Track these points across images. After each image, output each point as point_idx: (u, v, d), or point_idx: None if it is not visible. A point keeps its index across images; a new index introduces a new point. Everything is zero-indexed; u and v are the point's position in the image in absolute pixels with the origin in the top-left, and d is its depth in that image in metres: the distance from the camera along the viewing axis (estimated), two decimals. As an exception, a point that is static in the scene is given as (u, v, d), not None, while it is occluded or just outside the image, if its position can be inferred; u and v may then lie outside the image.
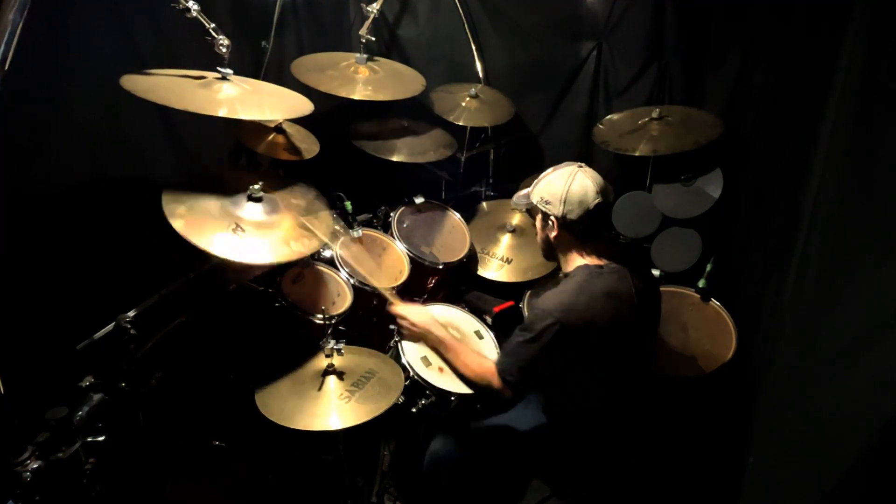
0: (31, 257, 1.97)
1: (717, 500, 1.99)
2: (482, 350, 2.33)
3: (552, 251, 1.94)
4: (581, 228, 1.81)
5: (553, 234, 1.86)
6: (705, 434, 2.27)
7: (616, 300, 1.75)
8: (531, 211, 1.97)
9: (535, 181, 1.93)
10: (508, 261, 2.88)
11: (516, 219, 2.98)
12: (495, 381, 1.82)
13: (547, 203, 1.83)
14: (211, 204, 1.95)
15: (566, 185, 1.79)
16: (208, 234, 1.85)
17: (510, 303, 2.76)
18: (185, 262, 2.14)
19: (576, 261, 1.84)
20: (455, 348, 2.00)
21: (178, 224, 1.81)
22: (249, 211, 2.01)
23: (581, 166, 1.86)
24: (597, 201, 1.78)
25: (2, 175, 1.90)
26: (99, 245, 2.13)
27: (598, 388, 1.83)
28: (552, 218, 1.83)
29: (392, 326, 2.29)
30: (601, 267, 1.79)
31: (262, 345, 2.34)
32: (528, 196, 1.95)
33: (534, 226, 1.99)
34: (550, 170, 1.90)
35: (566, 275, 1.87)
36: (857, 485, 1.14)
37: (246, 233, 1.92)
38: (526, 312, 2.63)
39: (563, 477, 1.91)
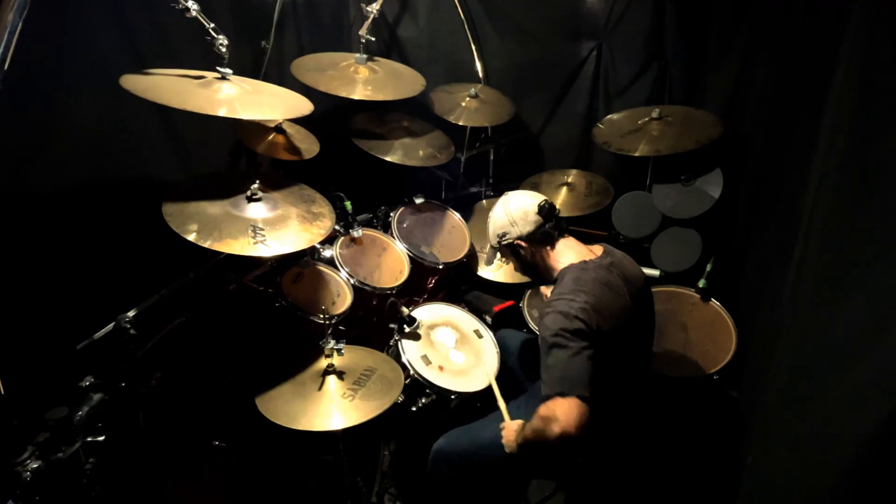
0: (32, 257, 1.97)
1: (717, 500, 1.99)
2: (482, 350, 2.34)
3: (537, 272, 1.95)
4: (542, 233, 1.87)
5: (528, 255, 1.91)
6: (705, 434, 2.27)
7: (610, 290, 1.74)
8: (504, 256, 2.00)
9: (487, 233, 1.99)
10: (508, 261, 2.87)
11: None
12: (542, 410, 1.59)
13: (504, 235, 1.91)
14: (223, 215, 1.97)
15: (504, 212, 1.90)
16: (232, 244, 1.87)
17: (510, 302, 2.77)
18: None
19: (559, 265, 1.86)
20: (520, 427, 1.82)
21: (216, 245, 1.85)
22: (256, 211, 2.03)
23: (506, 194, 1.97)
24: (536, 204, 1.87)
25: (2, 175, 1.90)
26: (99, 245, 2.14)
27: (605, 386, 1.79)
28: (516, 242, 1.89)
29: (392, 325, 2.29)
30: (585, 262, 1.81)
31: (262, 345, 2.34)
32: (491, 248, 2.01)
33: (515, 268, 2.02)
34: (489, 216, 1.97)
35: (556, 280, 1.87)
36: (856, 484, 1.14)
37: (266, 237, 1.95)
38: (526, 312, 2.63)
39: (565, 477, 1.91)
